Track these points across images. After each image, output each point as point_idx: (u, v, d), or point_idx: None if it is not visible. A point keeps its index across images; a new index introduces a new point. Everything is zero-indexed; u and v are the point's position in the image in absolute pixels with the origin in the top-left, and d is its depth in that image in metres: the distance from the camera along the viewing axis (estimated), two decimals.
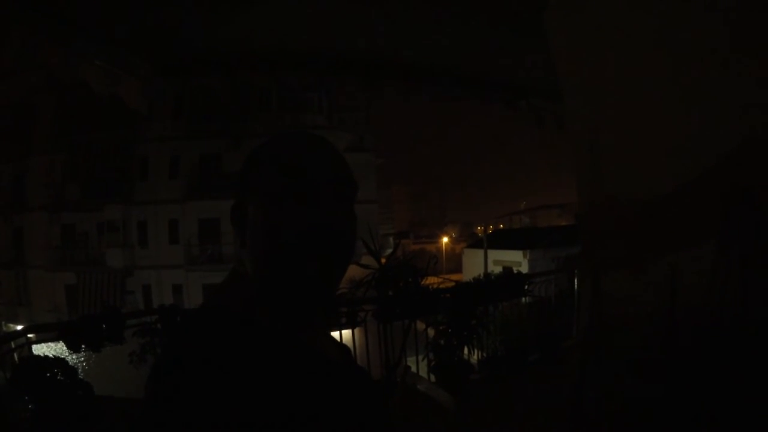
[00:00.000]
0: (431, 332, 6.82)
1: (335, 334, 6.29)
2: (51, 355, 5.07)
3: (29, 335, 5.70)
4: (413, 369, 6.82)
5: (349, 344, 5.12)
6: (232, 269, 1.22)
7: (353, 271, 6.70)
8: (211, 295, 1.18)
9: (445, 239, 75.51)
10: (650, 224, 3.01)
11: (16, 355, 5.41)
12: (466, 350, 6.72)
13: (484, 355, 7.18)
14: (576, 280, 7.33)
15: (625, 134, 3.18)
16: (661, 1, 2.82)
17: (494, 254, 37.09)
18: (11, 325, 24.98)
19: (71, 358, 5.37)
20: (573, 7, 3.49)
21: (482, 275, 7.86)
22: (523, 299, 8.13)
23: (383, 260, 6.58)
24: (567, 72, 3.80)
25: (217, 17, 4.93)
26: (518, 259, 34.08)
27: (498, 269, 26.50)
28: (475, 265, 35.93)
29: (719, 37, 2.51)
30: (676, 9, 2.69)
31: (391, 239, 38.71)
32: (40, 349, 5.61)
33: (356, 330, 6.46)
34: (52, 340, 5.71)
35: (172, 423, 0.90)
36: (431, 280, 6.91)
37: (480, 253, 38.10)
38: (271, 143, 1.21)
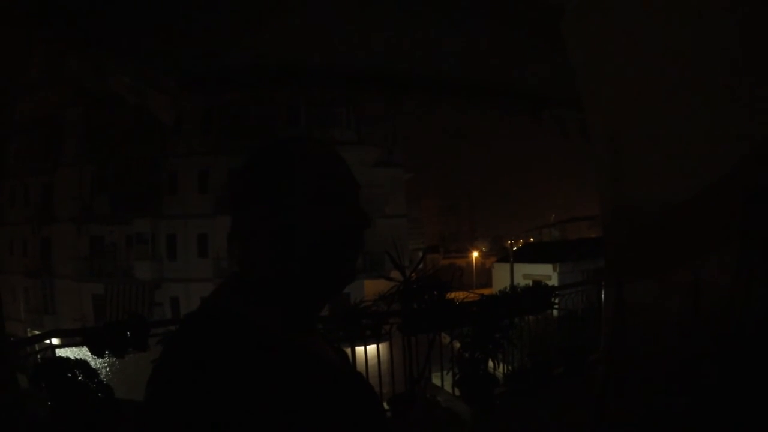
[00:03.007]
0: (456, 345, 6.78)
1: (360, 349, 6.30)
2: (72, 358, 5.15)
3: (54, 340, 5.78)
4: (438, 382, 6.81)
5: (374, 358, 5.13)
6: (231, 273, 1.22)
7: (381, 286, 6.66)
8: (211, 298, 1.18)
9: (475, 254, 75.16)
10: (672, 230, 2.97)
11: (39, 358, 5.49)
12: (491, 363, 6.67)
13: (510, 368, 7.12)
14: (603, 292, 7.23)
15: (645, 140, 3.14)
16: (681, 7, 2.79)
17: (524, 268, 36.82)
18: (36, 332, 25.44)
19: (95, 363, 5.44)
20: (589, 14, 3.46)
21: (508, 288, 7.82)
22: (553, 312, 8.06)
23: (413, 276, 6.60)
24: (586, 79, 3.78)
25: (243, 35, 4.97)
26: (548, 273, 33.77)
27: (528, 283, 26.17)
28: (504, 279, 35.64)
29: (738, 39, 2.48)
30: (695, 12, 2.65)
31: (420, 254, 38.66)
32: (64, 354, 5.68)
33: (381, 344, 6.45)
34: (76, 345, 5.78)
35: (174, 426, 0.90)
36: (459, 294, 6.88)
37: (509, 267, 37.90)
38: (290, 149, 1.23)
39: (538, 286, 8.06)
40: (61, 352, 5.69)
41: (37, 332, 25.32)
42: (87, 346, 5.49)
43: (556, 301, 7.80)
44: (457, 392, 6.36)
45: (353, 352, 5.96)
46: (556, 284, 18.16)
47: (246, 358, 0.98)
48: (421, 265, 7.91)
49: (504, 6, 4.22)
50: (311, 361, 1.12)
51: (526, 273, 35.62)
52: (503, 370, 7.02)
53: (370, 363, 6.10)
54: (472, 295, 7.25)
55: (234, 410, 0.89)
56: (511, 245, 47.63)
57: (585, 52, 3.64)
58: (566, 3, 3.62)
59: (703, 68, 2.64)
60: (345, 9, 4.74)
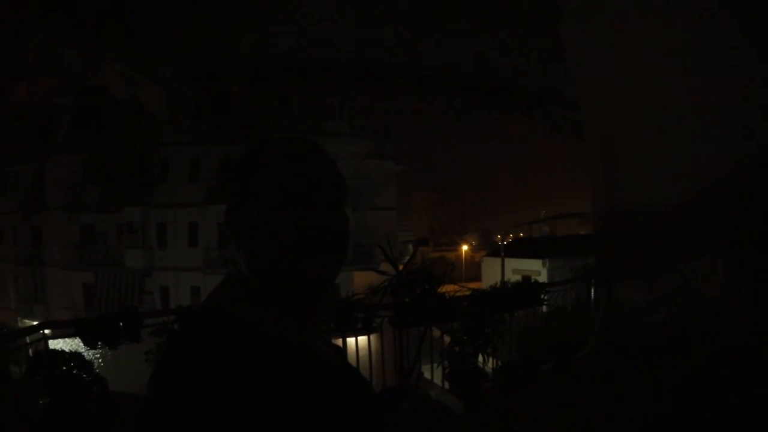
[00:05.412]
0: (447, 339, 6.81)
1: (351, 340, 6.33)
2: (66, 350, 5.15)
3: (45, 331, 5.75)
4: (428, 376, 6.85)
5: (365, 349, 5.13)
6: (228, 272, 1.24)
7: (371, 277, 6.74)
8: (209, 298, 1.21)
9: (465, 247, 75.20)
10: (664, 234, 3.00)
11: (30, 350, 5.46)
12: (480, 358, 6.71)
13: (499, 363, 7.16)
14: (593, 290, 7.27)
15: (639, 143, 3.16)
16: (678, 11, 2.82)
17: (513, 263, 36.90)
18: (27, 321, 25.29)
19: (87, 355, 5.42)
20: (589, 17, 3.48)
21: (499, 283, 7.86)
22: (541, 308, 8.10)
23: (401, 267, 6.61)
24: (583, 81, 3.80)
25: (239, 25, 4.95)
26: (537, 268, 33.82)
27: (517, 278, 26.32)
28: (494, 273, 35.74)
29: (735, 46, 2.51)
30: (693, 19, 2.68)
31: (410, 246, 38.63)
32: (56, 345, 5.65)
33: (372, 336, 6.48)
34: (68, 336, 5.76)
35: (175, 423, 0.92)
36: (450, 288, 6.89)
37: (499, 261, 37.95)
38: (266, 148, 1.24)
39: (529, 282, 8.12)
40: (52, 343, 5.67)
41: (27, 321, 25.25)
42: (80, 338, 5.48)
43: (546, 297, 7.85)
44: (446, 386, 6.40)
45: (344, 343, 5.98)
46: (545, 280, 18.26)
47: (243, 357, 1.00)
48: (409, 257, 7.92)
49: (500, 5, 4.24)
50: (307, 358, 1.13)
51: (515, 268, 35.74)
52: (492, 364, 7.06)
53: (360, 354, 6.12)
54: (463, 289, 7.29)
55: (233, 408, 0.92)
56: (502, 240, 47.60)
57: (583, 54, 3.66)
58: (565, 5, 3.65)
59: (701, 74, 2.67)
60: (339, 4, 4.74)
